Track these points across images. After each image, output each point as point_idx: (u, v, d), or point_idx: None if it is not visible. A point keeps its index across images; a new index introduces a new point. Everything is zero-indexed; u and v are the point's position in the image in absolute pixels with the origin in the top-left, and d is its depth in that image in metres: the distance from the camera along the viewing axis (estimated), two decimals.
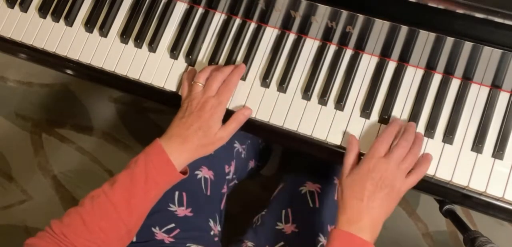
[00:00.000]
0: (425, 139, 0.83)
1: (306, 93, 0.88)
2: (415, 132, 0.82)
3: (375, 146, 0.80)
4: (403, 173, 0.79)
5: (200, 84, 0.87)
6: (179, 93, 0.92)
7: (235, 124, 0.87)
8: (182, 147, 0.83)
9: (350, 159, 0.82)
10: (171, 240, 0.93)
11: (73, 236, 0.76)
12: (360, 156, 0.82)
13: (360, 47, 0.88)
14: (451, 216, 1.01)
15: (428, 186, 0.84)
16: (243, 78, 0.91)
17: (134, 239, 0.92)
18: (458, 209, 1.02)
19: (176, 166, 0.82)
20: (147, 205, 0.82)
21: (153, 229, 0.93)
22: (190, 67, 0.93)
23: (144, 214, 0.82)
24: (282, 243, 0.94)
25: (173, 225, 0.94)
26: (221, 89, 0.87)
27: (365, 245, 0.76)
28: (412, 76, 0.87)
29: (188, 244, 0.93)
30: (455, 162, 0.82)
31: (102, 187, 0.80)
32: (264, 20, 0.93)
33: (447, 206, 1.01)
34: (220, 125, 0.86)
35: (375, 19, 0.81)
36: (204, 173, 0.98)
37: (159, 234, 0.93)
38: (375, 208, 0.77)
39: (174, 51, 0.94)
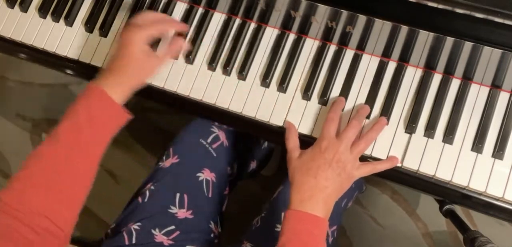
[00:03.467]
0: (425, 139, 0.83)
1: (306, 93, 0.88)
2: (365, 114, 0.84)
3: (325, 126, 0.82)
4: (355, 156, 0.81)
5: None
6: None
7: (169, 54, 0.90)
8: (115, 80, 0.82)
9: (293, 142, 0.84)
10: (171, 242, 0.93)
11: (32, 201, 0.71)
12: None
13: (360, 47, 0.88)
14: (451, 216, 1.01)
15: (428, 186, 0.84)
16: (243, 78, 0.91)
17: (134, 241, 0.92)
18: (458, 209, 1.02)
19: (116, 101, 0.81)
20: (99, 149, 0.80)
21: (152, 231, 0.93)
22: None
23: (98, 158, 0.80)
24: None
25: (173, 227, 0.93)
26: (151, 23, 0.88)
27: (319, 220, 0.77)
28: (412, 76, 0.87)
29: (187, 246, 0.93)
30: (455, 162, 0.82)
31: (45, 143, 0.77)
32: (264, 20, 0.93)
33: (447, 206, 1.01)
34: (145, 46, 0.86)
35: (375, 19, 0.81)
36: (206, 175, 0.98)
37: (159, 236, 0.93)
38: (327, 187, 0.78)
39: None
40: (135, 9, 0.97)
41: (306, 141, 0.87)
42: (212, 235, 0.98)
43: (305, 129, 0.87)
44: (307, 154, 0.81)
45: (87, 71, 0.98)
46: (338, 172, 0.79)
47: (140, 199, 0.97)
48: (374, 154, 0.84)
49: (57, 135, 0.77)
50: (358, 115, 0.83)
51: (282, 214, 0.97)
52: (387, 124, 0.85)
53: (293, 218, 0.78)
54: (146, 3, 0.97)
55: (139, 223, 0.93)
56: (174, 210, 0.94)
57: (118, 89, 0.82)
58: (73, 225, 0.77)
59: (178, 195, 0.95)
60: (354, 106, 0.87)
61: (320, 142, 0.81)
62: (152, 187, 0.97)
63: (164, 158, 1.02)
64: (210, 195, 0.98)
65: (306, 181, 0.79)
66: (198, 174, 0.97)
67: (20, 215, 0.70)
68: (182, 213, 0.95)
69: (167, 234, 0.93)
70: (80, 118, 0.78)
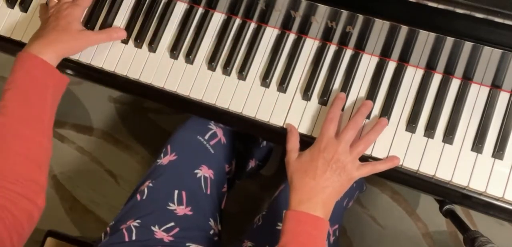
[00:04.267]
0: (425, 139, 0.83)
1: (306, 93, 0.88)
2: (366, 112, 0.84)
3: (324, 126, 0.82)
4: (355, 157, 0.80)
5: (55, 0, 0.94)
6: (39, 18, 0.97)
7: (104, 35, 0.94)
8: (45, 42, 0.86)
9: (292, 143, 0.84)
10: (171, 239, 0.93)
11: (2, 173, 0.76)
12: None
13: (360, 47, 0.88)
14: (451, 216, 1.01)
15: (428, 186, 0.84)
16: (243, 78, 0.91)
17: (134, 238, 0.92)
18: (458, 209, 1.02)
19: (49, 62, 0.85)
20: (49, 110, 0.84)
21: (152, 227, 0.93)
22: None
23: (51, 119, 0.85)
24: None
25: (172, 224, 0.94)
26: None
27: (319, 221, 0.77)
28: (412, 76, 0.87)
29: (187, 244, 0.93)
30: (455, 162, 0.82)
31: None
32: (264, 20, 0.93)
33: (447, 206, 1.01)
34: (80, 25, 0.92)
35: (375, 19, 0.81)
36: (204, 172, 0.98)
37: (159, 232, 0.93)
38: (327, 187, 0.78)
39: (174, 51, 0.94)
40: (136, 9, 0.97)
41: (306, 141, 0.87)
42: (212, 232, 0.98)
43: (305, 129, 0.87)
44: (305, 155, 0.81)
45: (87, 71, 0.98)
46: (338, 173, 0.79)
47: (138, 197, 0.97)
48: (374, 154, 0.84)
49: (4, 105, 0.81)
50: (358, 114, 0.83)
51: (283, 213, 0.97)
52: (387, 124, 0.85)
53: (293, 219, 0.78)
54: (146, 3, 0.97)
55: (138, 220, 0.93)
56: (173, 206, 0.95)
57: (49, 52, 0.86)
58: (42, 182, 0.81)
59: (176, 192, 0.95)
60: (354, 106, 0.87)
61: (319, 143, 0.81)
62: (151, 185, 0.97)
63: (162, 155, 1.02)
64: (208, 192, 0.98)
65: (305, 182, 0.79)
66: (196, 171, 0.97)
67: None
68: (181, 210, 0.95)
69: (167, 230, 0.93)
70: (20, 82, 0.83)
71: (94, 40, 0.93)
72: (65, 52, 0.89)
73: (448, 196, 0.84)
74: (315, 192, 0.78)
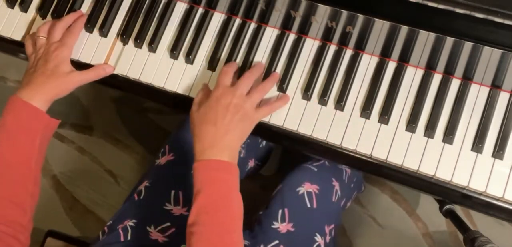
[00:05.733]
0: (425, 139, 0.83)
1: (306, 93, 0.88)
2: (259, 69, 0.89)
3: (219, 77, 0.86)
4: (252, 102, 0.84)
5: (42, 37, 0.93)
6: (26, 53, 0.96)
7: (93, 73, 0.93)
8: (34, 90, 0.86)
9: (197, 96, 0.87)
10: (165, 239, 0.93)
11: None
12: None
13: (360, 47, 0.88)
14: (451, 216, 1.01)
15: (428, 186, 0.84)
16: None
17: (129, 238, 0.92)
18: (458, 209, 1.02)
19: (39, 107, 0.86)
20: (37, 154, 0.85)
21: (148, 228, 0.93)
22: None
23: (39, 162, 0.86)
24: (276, 242, 0.94)
25: (168, 224, 0.94)
26: (64, 34, 0.93)
27: (225, 165, 0.78)
28: (412, 76, 0.87)
29: (183, 246, 0.92)
30: (455, 162, 0.82)
31: None
32: (264, 20, 0.93)
33: (447, 206, 1.01)
34: (69, 65, 0.91)
35: (375, 19, 0.81)
36: None
37: (154, 233, 0.93)
38: (228, 131, 0.80)
39: (174, 51, 0.94)
40: (135, 9, 0.97)
41: (306, 141, 0.87)
42: None
43: (305, 129, 0.87)
44: (204, 106, 0.83)
45: None
46: (238, 116, 0.81)
47: (136, 197, 0.97)
48: (374, 155, 0.84)
49: None
50: (251, 69, 0.87)
51: (279, 212, 0.97)
52: (279, 77, 0.89)
53: (199, 168, 0.79)
54: (146, 3, 0.97)
55: (134, 220, 0.94)
56: (169, 207, 0.95)
57: (37, 98, 0.86)
58: (25, 223, 0.82)
59: (173, 192, 0.95)
60: (354, 106, 0.87)
61: (215, 91, 0.83)
62: (148, 184, 0.97)
63: (160, 155, 1.02)
64: None
65: (206, 130, 0.80)
66: (193, 164, 0.97)
67: None
68: (178, 210, 0.95)
69: (162, 231, 0.93)
70: (10, 129, 0.84)
71: (83, 80, 0.92)
72: (54, 96, 0.89)
73: (448, 196, 0.84)
74: (217, 138, 0.79)
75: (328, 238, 0.97)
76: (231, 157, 0.79)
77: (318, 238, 0.95)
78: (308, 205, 0.96)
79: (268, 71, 0.90)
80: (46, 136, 0.88)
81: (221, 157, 0.78)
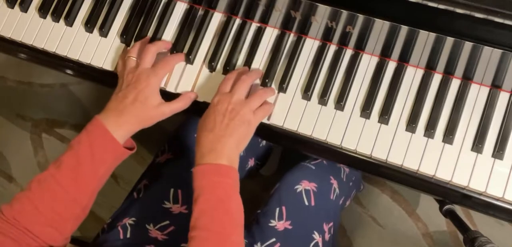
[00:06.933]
0: (425, 139, 0.83)
1: (306, 93, 0.88)
2: (258, 74, 0.89)
3: (220, 85, 0.86)
4: (250, 106, 0.84)
5: (133, 58, 0.89)
6: (114, 70, 0.94)
7: (181, 103, 0.89)
8: (120, 120, 0.83)
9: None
10: (165, 237, 0.93)
11: (27, 222, 0.76)
12: None
13: (360, 47, 0.88)
14: (451, 216, 1.01)
15: (428, 186, 0.84)
16: None
17: (128, 236, 0.92)
18: (458, 209, 1.02)
19: (118, 140, 0.83)
20: (98, 182, 0.83)
21: (147, 226, 0.93)
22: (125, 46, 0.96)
23: (96, 190, 0.83)
24: (273, 239, 0.94)
25: (167, 222, 0.94)
26: (158, 63, 0.89)
27: (224, 168, 0.78)
28: (412, 76, 0.87)
29: (182, 245, 0.92)
30: (455, 162, 0.82)
31: (48, 170, 0.80)
32: (264, 20, 0.93)
33: (447, 206, 1.01)
34: (158, 97, 0.87)
35: (375, 19, 0.81)
36: None
37: (153, 231, 0.93)
38: (226, 136, 0.80)
39: (174, 51, 0.94)
40: (135, 9, 0.97)
41: (306, 141, 0.87)
42: None
43: (305, 129, 0.87)
44: (205, 113, 0.84)
45: (87, 71, 0.98)
46: (236, 121, 0.81)
47: (135, 195, 0.98)
48: (374, 155, 0.84)
49: (60, 164, 0.80)
50: (247, 74, 0.87)
51: (276, 210, 0.97)
52: (280, 78, 0.89)
53: (198, 173, 0.79)
54: (146, 3, 0.97)
55: (134, 218, 0.94)
56: (168, 205, 0.95)
57: (121, 130, 0.83)
58: (64, 244, 0.81)
59: (172, 190, 0.96)
60: (354, 106, 0.87)
61: (214, 98, 0.84)
62: (147, 183, 0.98)
63: (159, 153, 1.02)
64: None
65: (204, 136, 0.81)
66: (192, 169, 0.97)
67: (14, 232, 0.75)
68: (177, 208, 0.95)
69: (161, 229, 0.93)
70: (82, 152, 0.80)
71: (172, 112, 0.88)
72: (139, 128, 0.86)
73: (448, 196, 0.84)
74: (215, 142, 0.80)
75: (327, 236, 0.97)
76: (230, 161, 0.79)
77: (316, 236, 0.95)
78: (306, 203, 0.96)
79: (268, 71, 0.90)
80: (113, 165, 0.85)
81: (220, 161, 0.78)
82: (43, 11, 1.00)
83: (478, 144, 0.81)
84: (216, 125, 0.81)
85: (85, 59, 0.97)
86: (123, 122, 0.83)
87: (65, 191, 0.79)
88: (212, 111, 0.83)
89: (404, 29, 0.80)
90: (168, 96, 0.90)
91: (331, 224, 0.99)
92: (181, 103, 0.89)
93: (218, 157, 0.79)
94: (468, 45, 0.78)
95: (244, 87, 0.85)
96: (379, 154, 0.84)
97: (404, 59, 0.87)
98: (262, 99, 0.86)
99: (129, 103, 0.84)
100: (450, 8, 0.74)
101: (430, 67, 0.86)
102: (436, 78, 0.86)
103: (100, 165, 0.82)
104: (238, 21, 0.95)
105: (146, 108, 0.85)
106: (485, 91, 0.84)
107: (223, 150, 0.79)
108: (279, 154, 1.56)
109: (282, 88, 0.89)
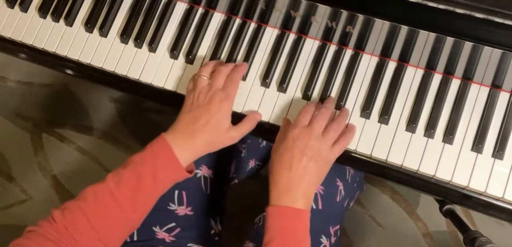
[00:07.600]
0: (425, 139, 0.83)
1: (306, 93, 0.88)
2: (333, 103, 0.85)
3: (298, 117, 0.82)
4: (328, 141, 0.80)
5: (205, 77, 0.86)
6: (186, 89, 0.89)
7: (248, 125, 0.86)
8: (190, 144, 0.80)
9: (279, 132, 0.84)
10: (172, 239, 0.93)
11: (78, 235, 0.73)
12: None
13: (360, 47, 0.88)
14: (451, 216, 1.01)
15: (428, 186, 0.84)
16: (243, 78, 0.91)
17: (135, 238, 0.92)
18: (458, 209, 1.02)
19: (182, 163, 0.80)
20: (152, 203, 0.80)
21: (154, 228, 0.93)
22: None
23: (149, 210, 0.81)
24: None
25: (173, 224, 0.94)
26: (226, 83, 0.85)
27: (300, 213, 0.77)
28: (412, 76, 0.87)
29: (189, 244, 0.93)
30: (455, 162, 0.82)
31: (106, 183, 0.77)
32: (264, 20, 0.93)
33: (447, 206, 1.01)
34: (229, 120, 0.84)
35: (375, 19, 0.81)
36: (204, 172, 0.98)
37: (160, 233, 0.93)
38: (304, 176, 0.77)
39: (174, 51, 0.94)
40: (135, 9, 0.97)
41: None
42: (212, 232, 0.98)
43: None
44: (281, 147, 0.80)
45: (86, 71, 0.98)
46: (314, 159, 0.78)
47: None
48: (374, 155, 0.84)
49: (120, 180, 0.77)
50: (325, 104, 0.84)
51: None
52: (280, 78, 0.87)
53: (273, 214, 0.77)
54: (146, 3, 0.97)
55: None
56: (173, 207, 0.95)
57: (188, 153, 0.80)
58: None
59: (176, 192, 0.95)
60: (354, 106, 0.87)
61: (292, 132, 0.80)
62: None
63: None
64: (208, 192, 0.98)
65: (282, 174, 0.78)
66: (196, 171, 0.97)
67: (64, 242, 0.72)
68: (182, 210, 0.95)
69: (168, 231, 0.93)
70: (144, 170, 0.77)
71: (240, 136, 0.85)
72: (204, 153, 0.83)
73: (448, 196, 0.84)
74: (293, 183, 0.77)
75: (333, 239, 0.97)
76: (306, 204, 0.77)
77: (324, 240, 0.94)
78: (313, 206, 0.96)
79: (268, 71, 0.90)
80: (169, 187, 0.81)
81: (296, 204, 0.76)
82: (43, 11, 1.00)
83: (478, 144, 0.81)
84: (293, 163, 0.77)
85: (85, 59, 0.97)
86: (191, 146, 0.80)
87: (122, 209, 0.75)
88: (291, 146, 0.78)
89: (404, 29, 0.80)
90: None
91: (338, 227, 0.99)
92: (248, 126, 0.86)
93: (295, 200, 0.76)
94: (468, 45, 0.78)
95: (323, 121, 0.81)
96: (379, 154, 0.84)
97: (404, 59, 0.87)
98: (339, 131, 0.82)
99: (201, 126, 0.81)
100: (450, 8, 0.74)
101: (430, 67, 0.86)
102: (436, 78, 0.86)
103: (160, 187, 0.79)
104: (238, 21, 0.95)
105: (218, 133, 0.82)
106: (485, 91, 0.84)
107: (300, 192, 0.77)
108: None
109: (282, 88, 0.89)
